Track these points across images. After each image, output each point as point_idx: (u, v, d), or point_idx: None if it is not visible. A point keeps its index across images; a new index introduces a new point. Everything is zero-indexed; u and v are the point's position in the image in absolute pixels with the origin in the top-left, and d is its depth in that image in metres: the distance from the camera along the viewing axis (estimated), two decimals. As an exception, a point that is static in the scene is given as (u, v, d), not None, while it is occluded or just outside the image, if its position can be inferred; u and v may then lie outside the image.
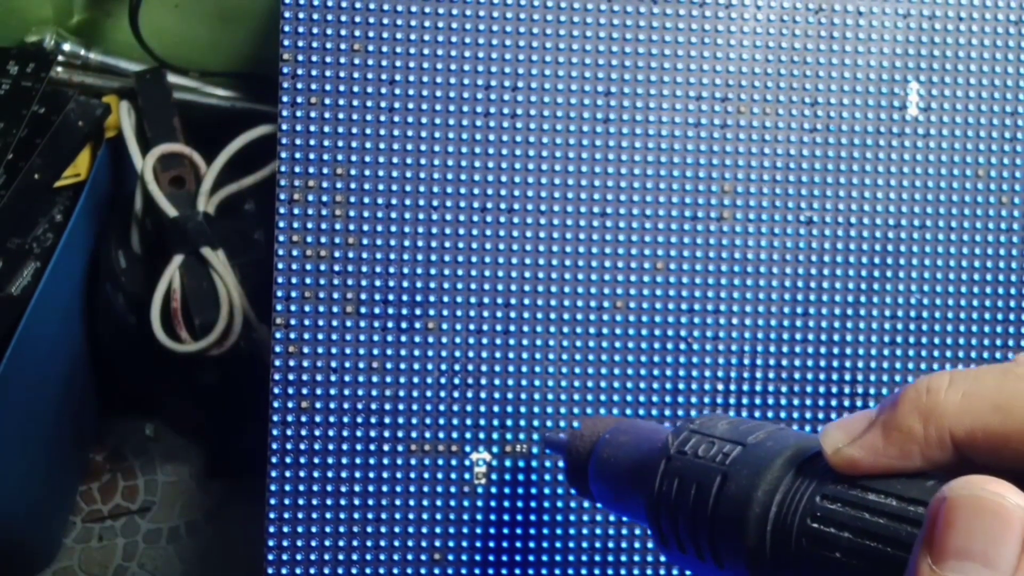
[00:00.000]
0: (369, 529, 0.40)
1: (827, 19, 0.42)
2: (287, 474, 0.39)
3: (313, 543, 0.39)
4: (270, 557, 0.39)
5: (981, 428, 0.20)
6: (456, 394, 0.40)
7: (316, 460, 0.39)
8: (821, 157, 0.42)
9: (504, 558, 0.40)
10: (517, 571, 0.40)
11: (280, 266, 0.39)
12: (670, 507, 0.25)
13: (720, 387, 0.41)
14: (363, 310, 0.40)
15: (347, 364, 0.39)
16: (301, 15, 0.39)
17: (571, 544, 0.40)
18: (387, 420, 0.40)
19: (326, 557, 0.39)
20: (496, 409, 0.40)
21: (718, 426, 0.26)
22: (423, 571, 0.40)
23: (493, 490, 0.40)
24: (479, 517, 0.40)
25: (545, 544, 0.40)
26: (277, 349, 0.39)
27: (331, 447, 0.39)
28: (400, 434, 0.40)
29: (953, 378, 0.20)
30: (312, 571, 0.39)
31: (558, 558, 0.40)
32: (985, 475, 0.18)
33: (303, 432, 0.39)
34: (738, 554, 0.23)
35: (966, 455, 0.20)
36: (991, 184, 0.43)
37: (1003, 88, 0.43)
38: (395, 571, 0.39)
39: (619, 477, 0.29)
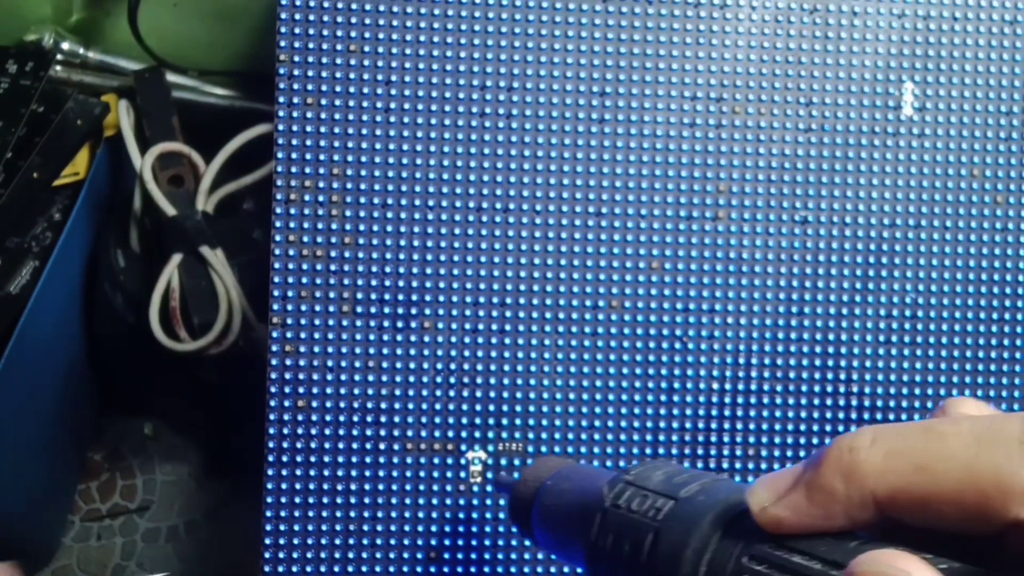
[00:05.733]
0: (365, 527, 0.40)
1: (822, 19, 0.42)
2: (284, 472, 0.39)
3: (310, 541, 0.39)
4: (267, 555, 0.39)
5: (903, 489, 0.19)
6: (452, 393, 0.40)
7: (313, 459, 0.40)
8: (816, 157, 0.42)
9: (500, 556, 0.40)
10: (513, 569, 0.40)
11: (277, 266, 0.39)
12: (607, 560, 0.26)
13: (715, 386, 0.41)
14: (359, 309, 0.40)
15: (343, 363, 0.40)
16: (297, 16, 0.40)
17: (567, 542, 0.40)
18: (383, 419, 0.40)
19: (322, 555, 0.40)
20: (492, 408, 0.40)
21: (652, 478, 0.26)
22: (419, 569, 0.40)
23: (489, 488, 0.40)
24: (475, 515, 0.40)
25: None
26: (274, 348, 0.39)
27: (328, 446, 0.40)
28: (396, 433, 0.40)
29: (876, 436, 0.20)
30: (309, 569, 0.39)
31: (553, 556, 0.40)
32: (892, 549, 0.18)
33: (300, 431, 0.39)
34: None
35: (890, 514, 0.20)
36: (986, 184, 0.43)
37: (998, 88, 0.43)
38: (391, 569, 0.40)
39: (559, 526, 0.30)
